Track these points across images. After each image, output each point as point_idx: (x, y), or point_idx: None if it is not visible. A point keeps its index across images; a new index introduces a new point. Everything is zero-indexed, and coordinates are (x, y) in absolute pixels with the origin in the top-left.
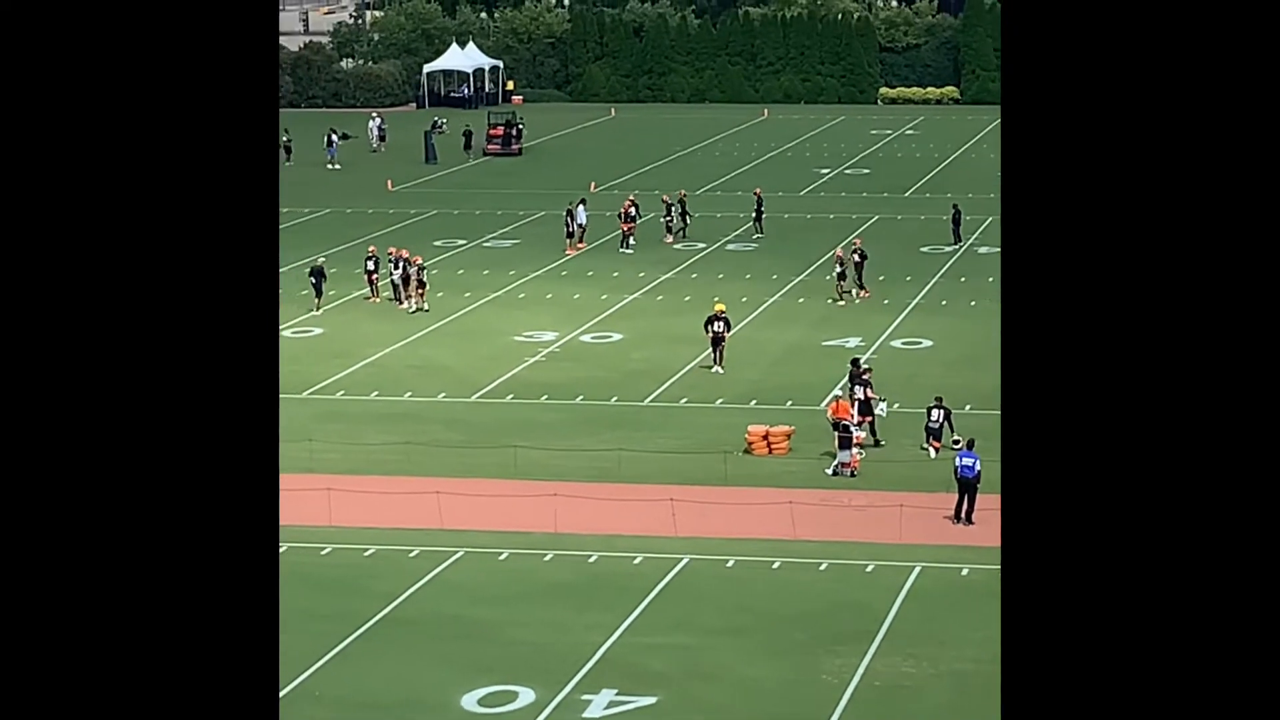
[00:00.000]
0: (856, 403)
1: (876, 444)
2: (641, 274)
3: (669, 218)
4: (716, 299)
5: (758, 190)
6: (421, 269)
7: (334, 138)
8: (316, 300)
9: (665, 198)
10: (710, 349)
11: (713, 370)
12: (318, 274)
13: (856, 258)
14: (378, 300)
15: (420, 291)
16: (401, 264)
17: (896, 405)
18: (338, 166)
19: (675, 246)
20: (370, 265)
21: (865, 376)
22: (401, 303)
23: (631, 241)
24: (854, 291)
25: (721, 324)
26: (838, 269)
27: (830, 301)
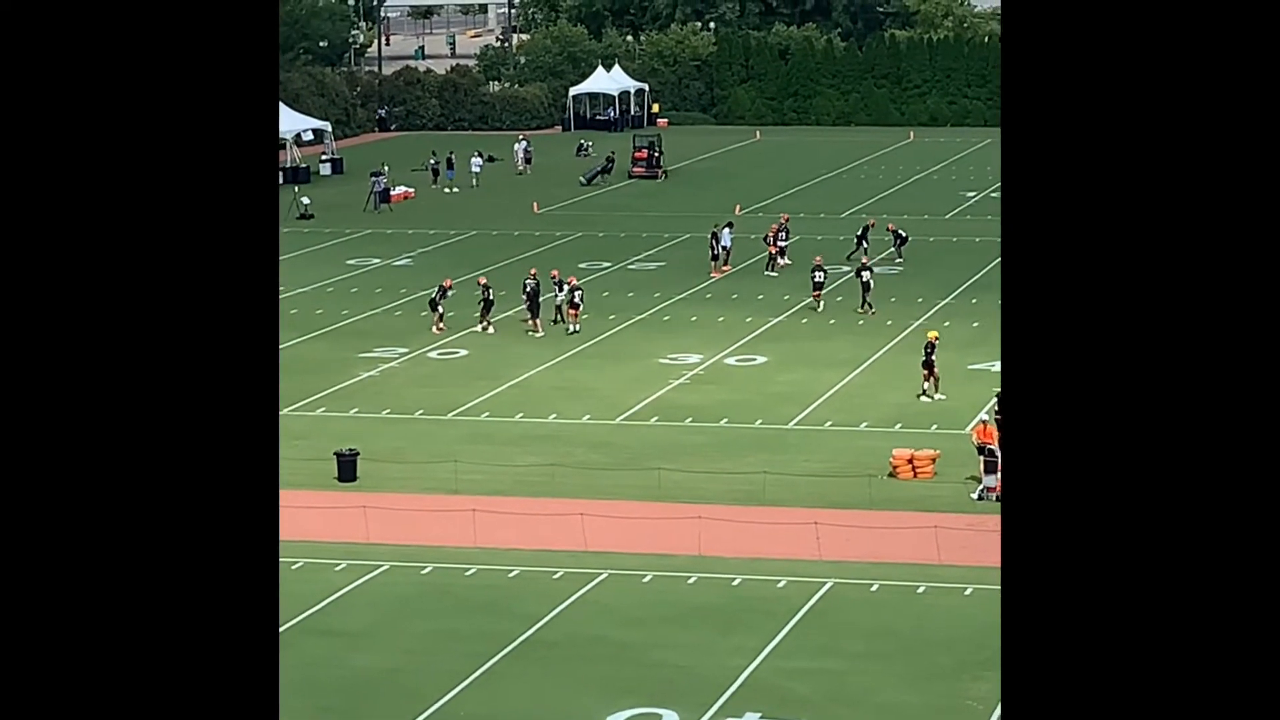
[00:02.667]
0: None
1: None
2: (786, 296)
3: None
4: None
5: (891, 225)
6: (575, 290)
7: (453, 160)
8: (534, 320)
9: (780, 220)
10: (927, 378)
11: (936, 398)
12: (532, 295)
13: (866, 275)
14: (537, 322)
15: (574, 313)
16: (565, 287)
17: None
18: (456, 190)
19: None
20: (532, 285)
21: None
22: (539, 325)
23: (780, 262)
24: (862, 309)
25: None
26: (819, 276)
27: (812, 309)
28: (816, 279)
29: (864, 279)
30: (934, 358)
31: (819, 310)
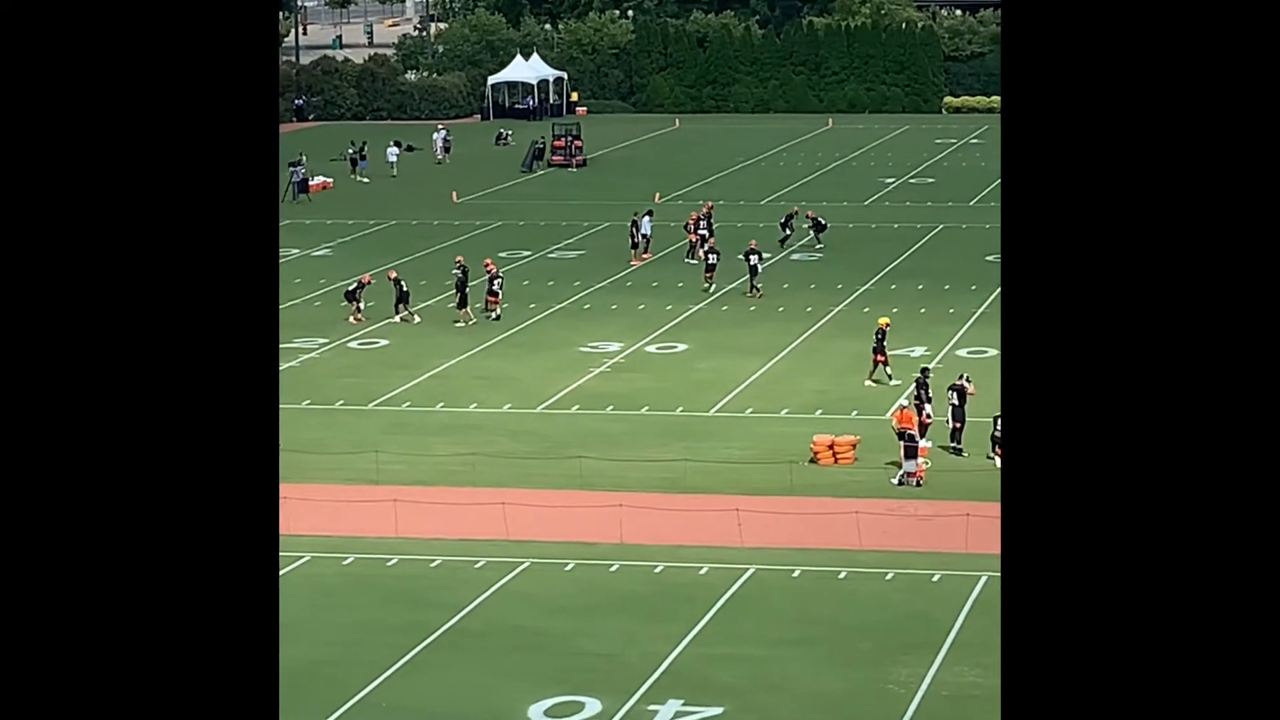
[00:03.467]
0: (951, 408)
1: (958, 451)
2: (708, 287)
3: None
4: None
5: (810, 213)
6: (495, 278)
7: (365, 151)
8: (463, 310)
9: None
10: (883, 363)
11: (866, 384)
12: (460, 285)
13: (755, 259)
14: (466, 311)
15: (493, 300)
16: (487, 277)
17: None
18: (366, 180)
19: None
20: (460, 275)
21: (961, 383)
22: (470, 314)
23: (701, 251)
24: (753, 291)
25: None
26: (712, 258)
27: (704, 290)
28: (710, 261)
29: (751, 263)
30: (885, 344)
31: (709, 290)
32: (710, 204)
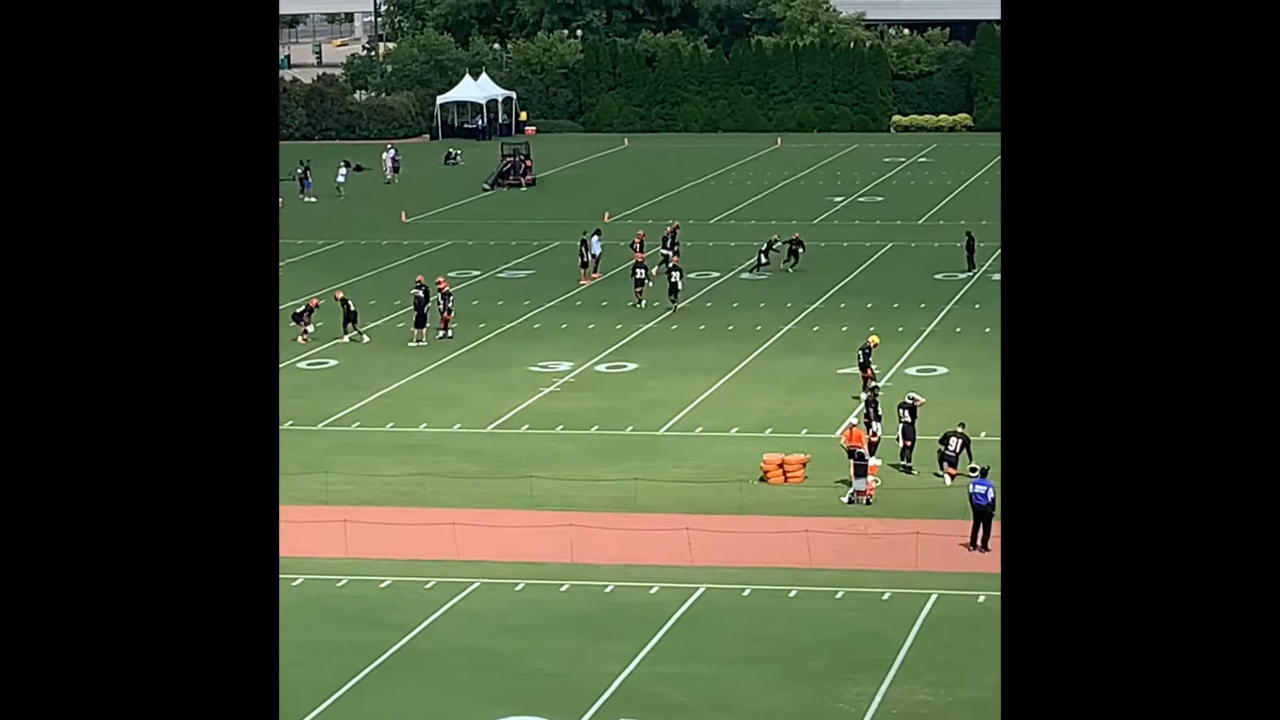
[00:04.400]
0: (901, 426)
1: (908, 469)
2: (656, 303)
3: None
4: (872, 329)
5: (796, 235)
6: (448, 295)
7: (309, 172)
8: (420, 330)
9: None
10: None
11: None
12: (419, 304)
13: (676, 275)
14: (422, 332)
15: (445, 318)
16: (440, 295)
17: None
18: (313, 200)
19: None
20: (419, 294)
21: (911, 401)
22: (424, 335)
23: (654, 271)
24: (675, 306)
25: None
26: (640, 273)
27: (631, 305)
28: (638, 275)
29: (672, 279)
30: (871, 360)
31: (639, 307)
32: (676, 223)
